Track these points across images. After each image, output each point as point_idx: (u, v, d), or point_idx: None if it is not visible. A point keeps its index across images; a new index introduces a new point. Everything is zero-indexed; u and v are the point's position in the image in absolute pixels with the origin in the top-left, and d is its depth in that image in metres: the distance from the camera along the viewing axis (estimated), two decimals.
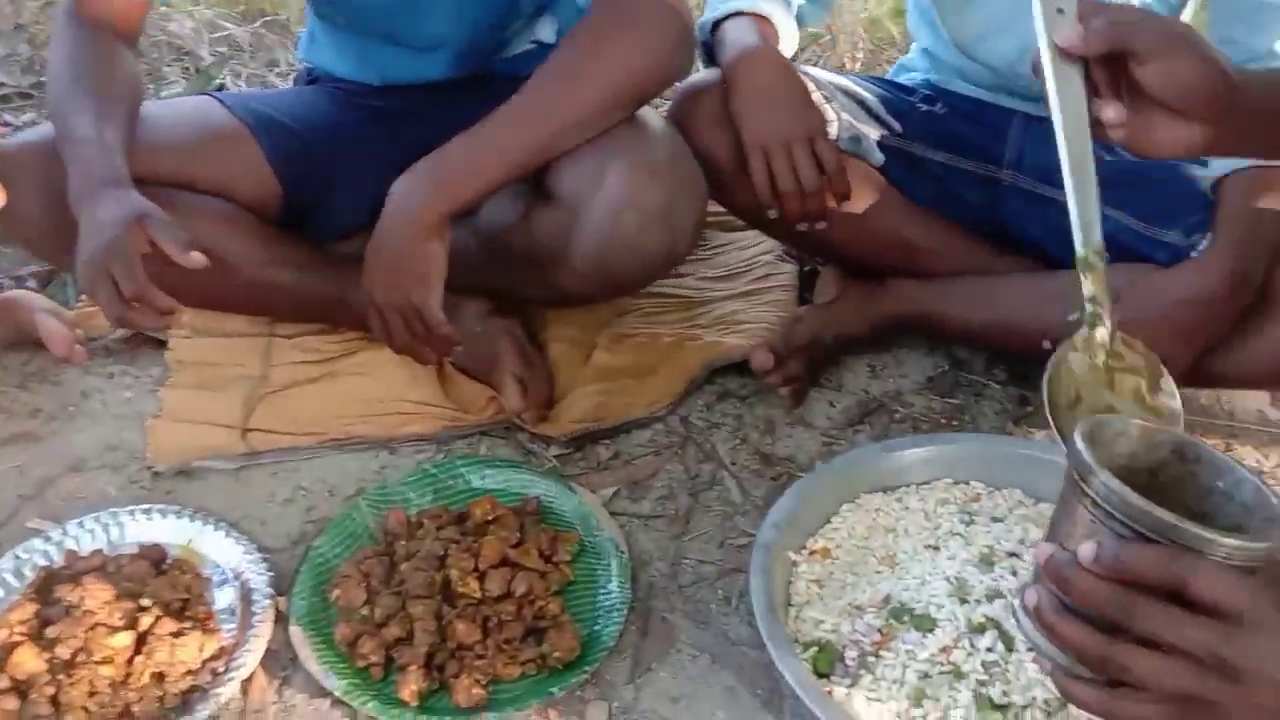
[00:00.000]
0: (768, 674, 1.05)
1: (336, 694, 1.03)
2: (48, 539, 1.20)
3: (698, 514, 1.23)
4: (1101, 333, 0.80)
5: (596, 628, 1.09)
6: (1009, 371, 1.40)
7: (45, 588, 1.12)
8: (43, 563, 1.17)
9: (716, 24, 1.29)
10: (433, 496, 1.24)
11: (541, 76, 1.11)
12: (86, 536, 1.21)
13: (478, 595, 1.10)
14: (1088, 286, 0.80)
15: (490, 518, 1.18)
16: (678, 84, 1.29)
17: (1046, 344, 1.11)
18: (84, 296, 1.51)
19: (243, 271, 1.31)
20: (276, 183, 1.37)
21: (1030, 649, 0.79)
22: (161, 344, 1.48)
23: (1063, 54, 0.74)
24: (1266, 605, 0.59)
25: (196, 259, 1.08)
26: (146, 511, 1.23)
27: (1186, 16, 1.25)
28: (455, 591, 1.10)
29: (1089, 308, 0.81)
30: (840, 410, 1.35)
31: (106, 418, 1.41)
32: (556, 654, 1.05)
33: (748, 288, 1.49)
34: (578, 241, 1.16)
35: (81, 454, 1.35)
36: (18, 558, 1.18)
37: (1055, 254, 1.31)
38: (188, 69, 2.26)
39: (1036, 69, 0.76)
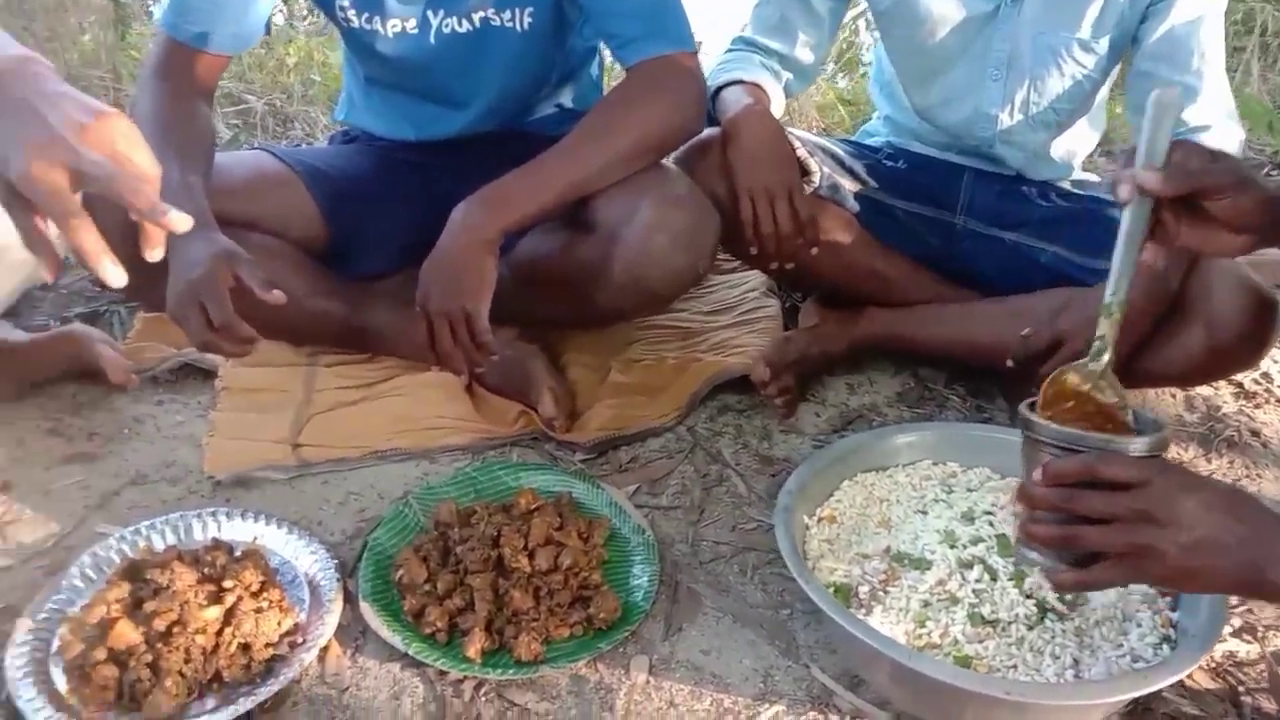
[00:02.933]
0: (784, 629, 1.21)
1: (410, 654, 1.17)
2: (121, 539, 1.33)
3: (710, 505, 1.40)
4: (1104, 361, 0.93)
5: (633, 596, 1.24)
6: (967, 386, 1.62)
7: (133, 573, 1.24)
8: (121, 557, 1.29)
9: (718, 90, 1.52)
10: (474, 495, 1.40)
11: (586, 126, 1.33)
12: (157, 537, 1.34)
13: (528, 569, 1.25)
14: (1103, 326, 0.93)
15: (533, 507, 1.33)
16: None
17: (1010, 363, 1.33)
18: (169, 319, 1.65)
19: (298, 303, 1.47)
20: (323, 225, 1.55)
21: (1021, 565, 0.99)
22: (205, 375, 1.62)
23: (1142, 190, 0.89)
24: (1157, 469, 0.84)
25: (277, 296, 1.24)
26: (213, 514, 1.36)
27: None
28: (508, 567, 1.25)
29: (1098, 344, 0.93)
30: (825, 420, 1.55)
31: (160, 439, 1.54)
32: (601, 615, 1.21)
33: (738, 319, 1.69)
34: (616, 260, 1.35)
35: (141, 470, 1.48)
36: (95, 555, 1.30)
37: (1002, 285, 1.55)
38: None
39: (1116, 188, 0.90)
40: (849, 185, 1.58)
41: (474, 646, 1.17)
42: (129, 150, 0.89)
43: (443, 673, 1.16)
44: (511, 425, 1.51)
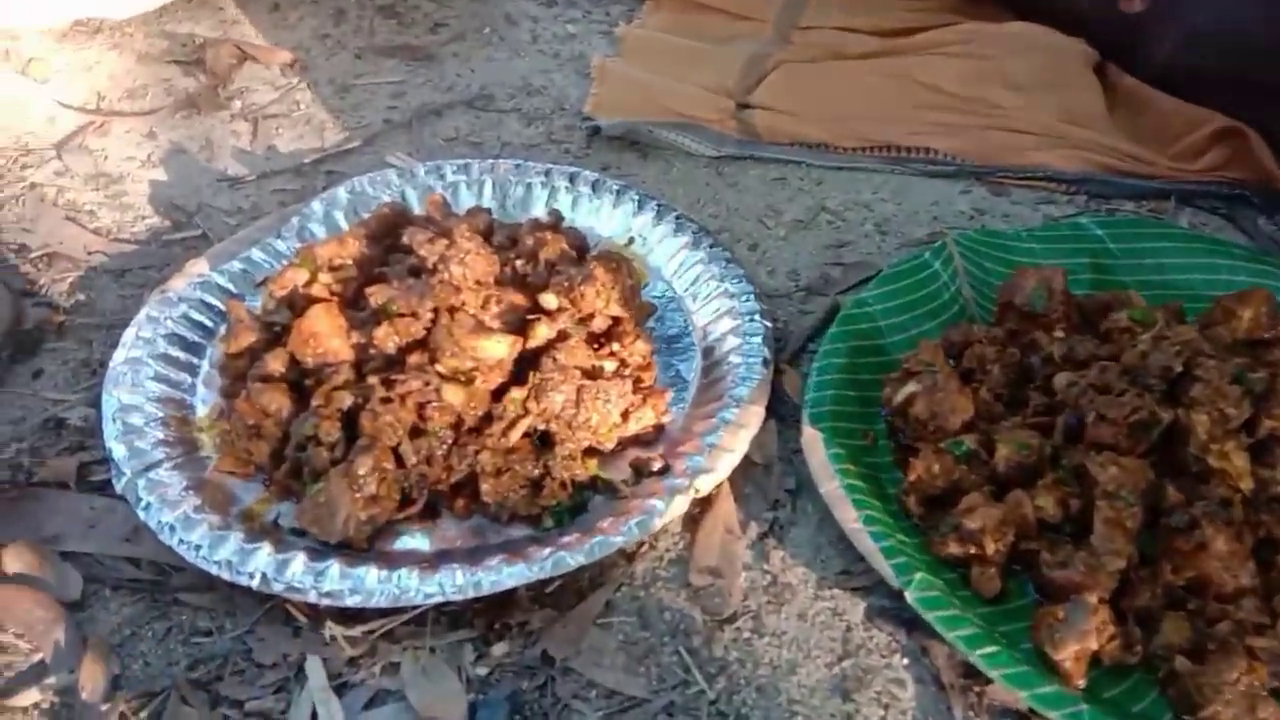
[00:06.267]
0: None
1: (920, 610, 0.45)
2: (409, 176, 0.71)
3: None
4: None
5: None
6: None
7: (389, 230, 0.62)
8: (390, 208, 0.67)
9: None
10: (1092, 275, 0.61)
11: None
12: (469, 192, 0.70)
13: (1246, 484, 0.46)
14: None
15: (1267, 333, 0.53)
16: None
17: None
18: None
19: None
20: None
21: None
22: None
23: None
24: None
25: None
26: (571, 179, 0.70)
27: None
28: (1192, 460, 0.47)
29: None
30: None
31: (533, 52, 0.90)
32: None
33: None
34: None
35: (486, 87, 0.85)
36: (355, 191, 0.69)
37: None
38: None
39: None
40: None
41: (1082, 645, 0.42)
42: None
43: (970, 677, 0.44)
44: (1190, 158, 0.69)
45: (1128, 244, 0.62)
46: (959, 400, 0.51)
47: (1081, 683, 0.43)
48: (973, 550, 0.47)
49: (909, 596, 0.45)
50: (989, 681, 0.43)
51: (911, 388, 0.52)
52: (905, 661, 0.46)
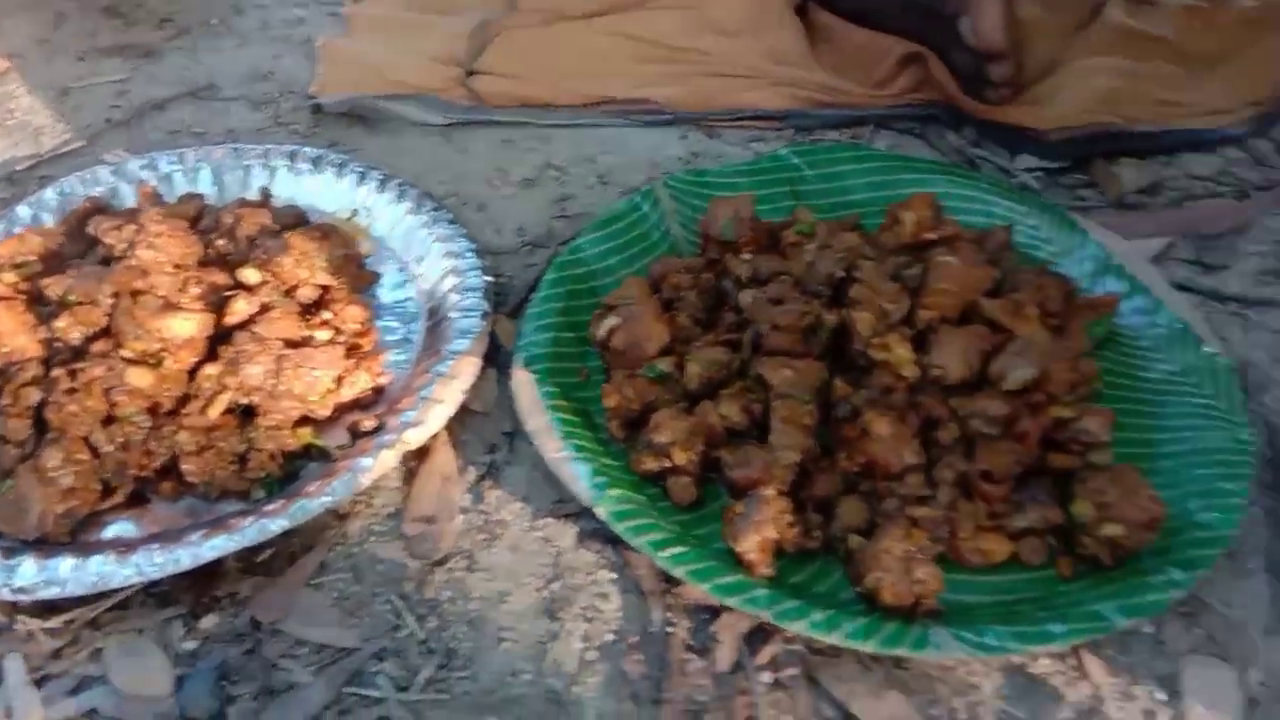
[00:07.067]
0: None
1: (612, 525, 0.47)
2: (119, 170, 0.69)
3: None
4: None
5: (1178, 497, 0.47)
6: None
7: (83, 223, 0.60)
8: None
9: None
10: (791, 201, 0.65)
11: None
12: (183, 179, 0.69)
13: (909, 371, 0.50)
14: None
15: (931, 234, 0.57)
16: None
17: None
18: None
19: None
20: None
21: None
22: None
23: None
24: None
25: None
26: (291, 158, 0.70)
27: None
28: (858, 355, 0.51)
29: None
30: None
31: (262, 39, 0.88)
32: (1112, 531, 0.45)
33: None
34: None
35: (214, 78, 0.83)
36: (64, 192, 0.67)
37: None
38: None
39: None
40: None
41: (755, 538, 0.45)
42: None
43: (670, 582, 0.46)
44: (884, 85, 0.73)
45: (822, 169, 0.66)
46: (654, 327, 0.54)
47: (767, 571, 0.46)
48: (667, 463, 0.49)
49: (599, 512, 0.47)
50: (681, 583, 0.46)
51: (611, 321, 0.54)
52: (613, 576, 0.48)
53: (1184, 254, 0.62)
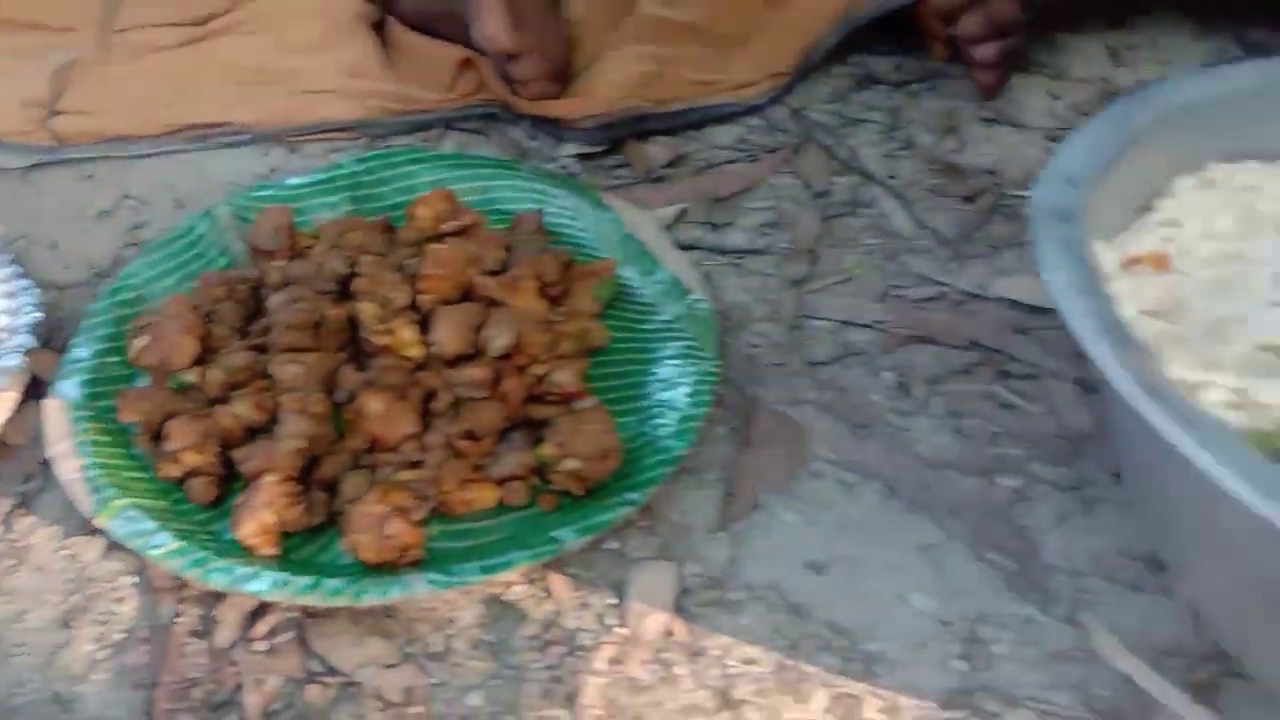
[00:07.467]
0: (1006, 520, 0.51)
1: (113, 533, 0.49)
2: None
3: (834, 251, 0.67)
4: None
5: (651, 427, 0.54)
6: None
7: None
8: None
9: None
10: (351, 207, 0.69)
11: None
12: None
13: (414, 352, 0.55)
14: None
15: (449, 227, 0.62)
16: None
17: None
18: None
19: None
20: None
21: None
22: None
23: None
24: None
25: None
26: None
27: None
28: (366, 343, 0.55)
29: None
30: (1067, 104, 0.79)
31: None
32: (571, 465, 0.51)
33: None
34: None
35: None
36: None
37: None
38: None
39: None
40: None
41: (256, 522, 0.49)
42: None
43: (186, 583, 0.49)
44: (449, 88, 0.79)
45: (380, 173, 0.70)
46: (181, 340, 0.56)
47: (270, 551, 0.49)
48: (187, 467, 0.52)
49: (98, 522, 0.49)
50: None
51: (141, 341, 0.57)
52: (134, 580, 0.50)
53: (697, 217, 0.69)
